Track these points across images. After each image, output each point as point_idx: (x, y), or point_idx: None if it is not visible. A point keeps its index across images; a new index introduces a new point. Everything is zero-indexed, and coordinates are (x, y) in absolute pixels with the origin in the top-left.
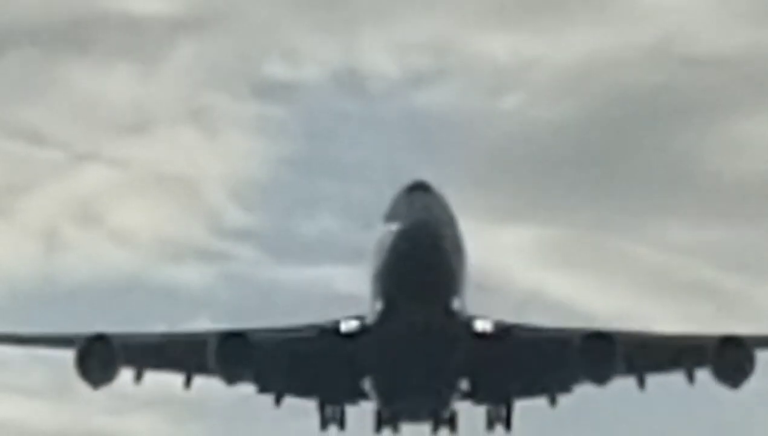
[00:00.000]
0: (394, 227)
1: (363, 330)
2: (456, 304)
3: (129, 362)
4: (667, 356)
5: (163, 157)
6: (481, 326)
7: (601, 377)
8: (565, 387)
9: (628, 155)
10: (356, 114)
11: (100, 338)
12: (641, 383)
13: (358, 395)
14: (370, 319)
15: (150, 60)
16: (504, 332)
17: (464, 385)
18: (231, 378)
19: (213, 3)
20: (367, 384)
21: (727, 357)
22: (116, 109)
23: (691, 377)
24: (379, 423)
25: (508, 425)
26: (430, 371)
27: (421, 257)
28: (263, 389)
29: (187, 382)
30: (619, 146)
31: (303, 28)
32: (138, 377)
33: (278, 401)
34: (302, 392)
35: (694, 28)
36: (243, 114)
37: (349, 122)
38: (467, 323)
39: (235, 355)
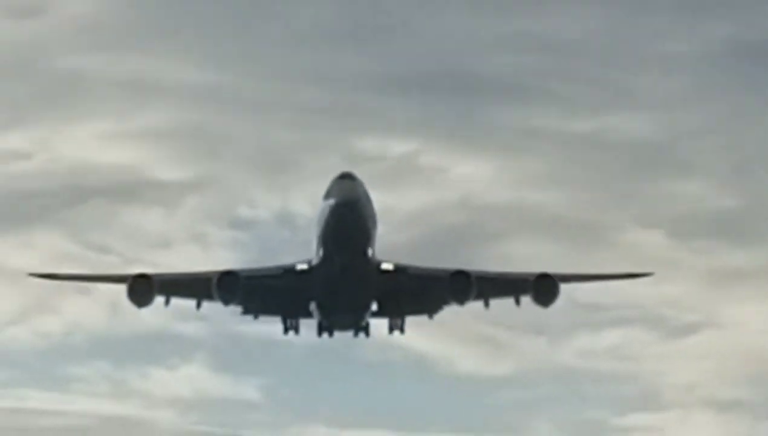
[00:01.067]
0: (329, 202)
1: (310, 269)
2: (369, 252)
3: (160, 292)
4: (504, 286)
5: (178, 263)
6: (385, 266)
7: (461, 300)
8: (438, 306)
9: None
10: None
11: (142, 276)
12: (486, 304)
13: (307, 313)
14: (314, 262)
15: (172, 205)
16: (400, 269)
17: (374, 306)
18: (225, 301)
19: (209, 172)
20: (312, 306)
21: (542, 287)
22: (152, 235)
23: (517, 301)
24: (320, 330)
25: (402, 330)
26: (352, 296)
27: (346, 221)
28: (246, 310)
29: (198, 305)
30: None
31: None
32: (166, 302)
33: (256, 317)
34: (271, 311)
35: None
36: (223, 238)
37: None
38: (376, 264)
39: (227, 285)
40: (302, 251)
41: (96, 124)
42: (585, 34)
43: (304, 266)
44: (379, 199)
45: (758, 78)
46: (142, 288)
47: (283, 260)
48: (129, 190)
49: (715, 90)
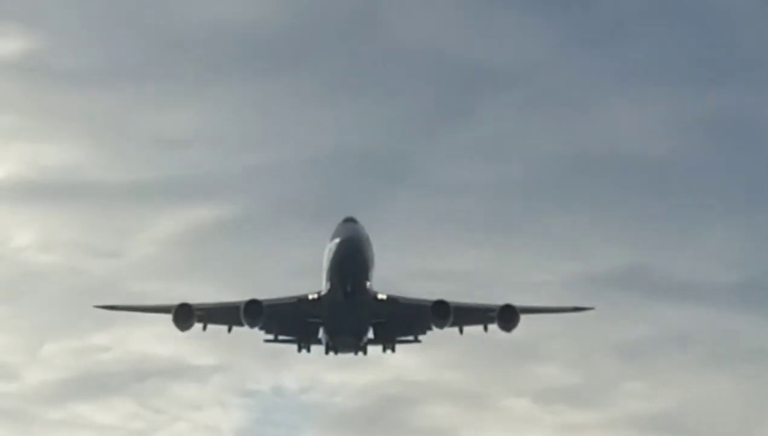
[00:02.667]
0: (335, 241)
1: (319, 298)
2: (367, 285)
3: (199, 319)
4: (476, 313)
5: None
6: (380, 296)
7: (441, 324)
8: (423, 331)
9: None
10: None
11: (184, 305)
12: (461, 331)
13: (317, 336)
14: (323, 293)
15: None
16: (392, 299)
17: (370, 333)
18: (251, 324)
19: None
20: (321, 330)
21: (506, 314)
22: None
23: (485, 329)
24: (327, 350)
25: (393, 349)
26: (353, 320)
27: (349, 256)
28: (267, 331)
29: (229, 330)
30: None
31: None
32: (204, 328)
33: (276, 339)
34: (287, 333)
35: None
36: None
37: None
38: (373, 294)
39: (252, 311)
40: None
41: (154, 329)
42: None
43: (315, 296)
44: None
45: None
46: (184, 315)
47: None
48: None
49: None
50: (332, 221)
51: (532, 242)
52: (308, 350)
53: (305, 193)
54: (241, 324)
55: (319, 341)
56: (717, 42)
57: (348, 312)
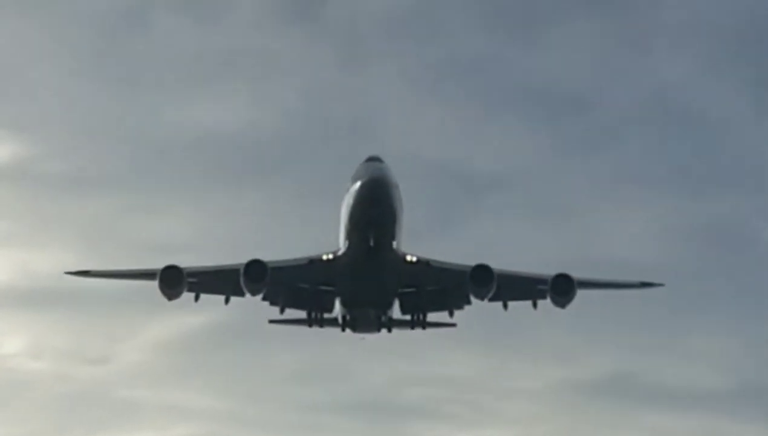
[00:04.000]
0: (357, 183)
1: (335, 258)
2: (394, 243)
3: (190, 286)
4: (523, 284)
5: None
6: (409, 258)
7: (482, 294)
8: (459, 303)
9: None
10: None
11: (172, 267)
12: (505, 306)
13: (331, 306)
14: (340, 251)
15: None
16: (423, 262)
17: (395, 304)
18: (253, 291)
19: None
20: (336, 303)
21: (560, 285)
22: None
23: (535, 304)
24: (343, 325)
25: (424, 326)
26: (376, 286)
27: (375, 199)
28: (272, 302)
29: (226, 300)
30: None
31: None
32: (196, 298)
33: (282, 311)
34: (296, 303)
35: None
36: None
37: None
38: (401, 255)
39: (254, 274)
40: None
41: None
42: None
43: (330, 256)
44: None
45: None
46: (172, 279)
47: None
48: None
49: None
50: None
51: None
52: (321, 325)
53: None
54: (240, 292)
55: (333, 321)
56: (709, 150)
57: (370, 275)
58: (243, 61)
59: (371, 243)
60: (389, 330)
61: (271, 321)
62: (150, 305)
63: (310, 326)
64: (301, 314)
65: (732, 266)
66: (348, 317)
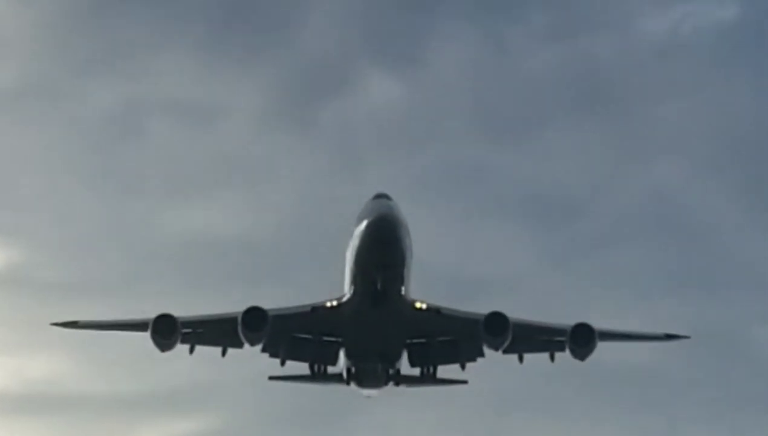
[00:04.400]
0: (364, 221)
1: (339, 305)
2: (402, 289)
3: (184, 337)
4: (540, 334)
5: None
6: (419, 304)
7: (496, 343)
8: (472, 354)
9: None
10: None
11: (165, 316)
12: (521, 359)
13: (335, 358)
14: (345, 298)
15: None
16: (434, 309)
17: (404, 357)
18: (252, 340)
19: None
20: (341, 352)
21: (579, 336)
22: None
23: (552, 357)
24: (348, 378)
25: (434, 380)
26: (383, 335)
27: (383, 238)
28: (272, 354)
29: (223, 352)
30: None
31: None
32: (191, 350)
33: (282, 363)
34: (298, 354)
35: None
36: None
37: None
38: (410, 302)
39: (253, 322)
40: None
41: None
42: None
43: (334, 303)
44: None
45: None
46: (166, 328)
47: None
48: None
49: None
50: None
51: None
52: (324, 379)
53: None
54: (238, 343)
55: (338, 377)
56: (702, 255)
57: (377, 323)
58: (237, 166)
59: (378, 287)
60: (397, 384)
61: (272, 378)
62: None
63: (314, 380)
64: (303, 368)
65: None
66: (353, 370)
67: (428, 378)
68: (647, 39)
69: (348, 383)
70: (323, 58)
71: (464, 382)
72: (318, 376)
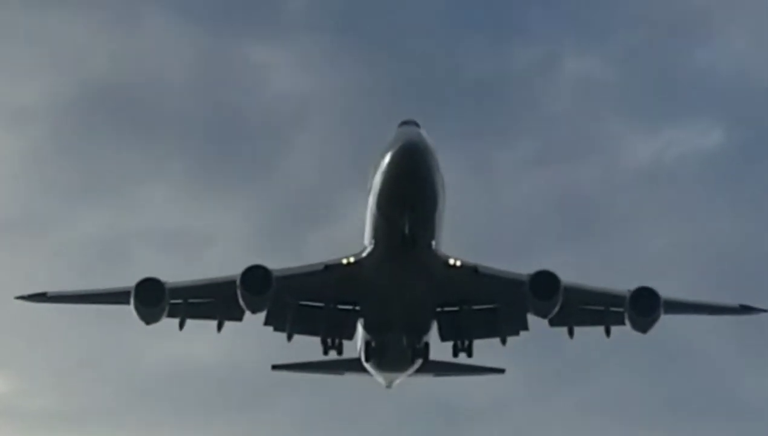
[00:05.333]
0: (389, 152)
1: (359, 261)
2: (434, 243)
3: (174, 309)
4: (595, 300)
5: None
6: (452, 261)
7: (545, 309)
8: (515, 326)
9: None
10: None
11: (150, 281)
12: (571, 332)
13: (352, 331)
14: (365, 251)
15: None
16: (470, 267)
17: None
18: (253, 305)
19: None
20: (359, 324)
21: (642, 302)
22: None
23: (608, 331)
24: (368, 355)
25: (470, 353)
26: (411, 298)
27: (414, 171)
28: (277, 327)
29: (219, 326)
30: None
31: None
32: (181, 324)
33: (289, 338)
34: (307, 327)
35: None
36: None
37: None
38: (443, 259)
39: (256, 282)
40: None
41: None
42: None
43: (351, 259)
44: None
45: None
46: (152, 294)
47: None
48: None
49: None
50: None
51: None
52: (339, 351)
53: None
54: (236, 313)
55: (352, 364)
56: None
57: (403, 282)
58: None
59: (406, 232)
60: (425, 360)
61: (275, 367)
62: None
63: (326, 353)
64: (314, 345)
65: None
66: (373, 345)
67: (456, 367)
68: (632, 166)
69: (365, 366)
70: (310, 186)
71: (501, 371)
72: (329, 363)
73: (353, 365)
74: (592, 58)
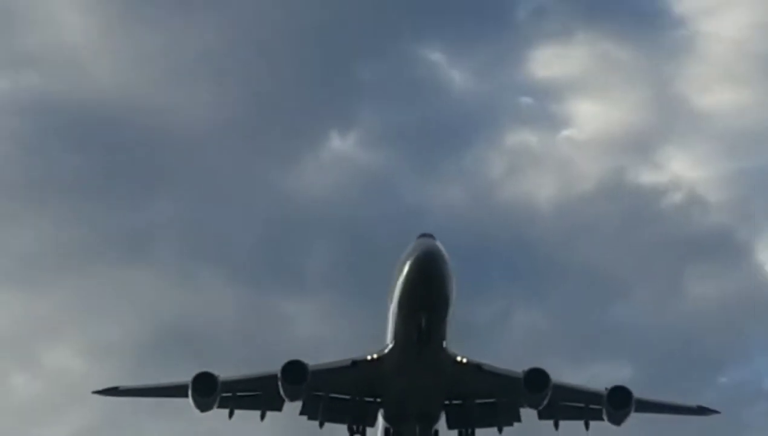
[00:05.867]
0: (409, 259)
1: (380, 358)
2: (445, 343)
3: (224, 401)
4: (578, 397)
5: None
6: (460, 358)
7: (537, 401)
8: (509, 419)
9: None
10: None
11: (204, 375)
12: (556, 426)
13: (373, 421)
14: (387, 349)
15: None
16: (475, 365)
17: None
18: (292, 394)
19: None
20: (380, 415)
21: (617, 398)
22: None
23: (587, 425)
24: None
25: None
26: (425, 390)
27: (430, 275)
28: (311, 416)
29: (262, 416)
30: None
31: None
32: (230, 414)
33: (321, 425)
34: (337, 417)
35: None
36: None
37: None
38: (452, 357)
39: (293, 375)
40: None
41: None
42: None
43: (374, 356)
44: None
45: None
46: (206, 386)
47: None
48: None
49: None
50: None
51: None
52: (363, 434)
53: None
54: (277, 404)
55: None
56: None
57: (419, 377)
58: None
59: (423, 328)
60: None
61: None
62: None
63: (352, 435)
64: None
65: None
66: (391, 432)
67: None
68: None
69: None
70: None
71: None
72: (357, 432)
73: None
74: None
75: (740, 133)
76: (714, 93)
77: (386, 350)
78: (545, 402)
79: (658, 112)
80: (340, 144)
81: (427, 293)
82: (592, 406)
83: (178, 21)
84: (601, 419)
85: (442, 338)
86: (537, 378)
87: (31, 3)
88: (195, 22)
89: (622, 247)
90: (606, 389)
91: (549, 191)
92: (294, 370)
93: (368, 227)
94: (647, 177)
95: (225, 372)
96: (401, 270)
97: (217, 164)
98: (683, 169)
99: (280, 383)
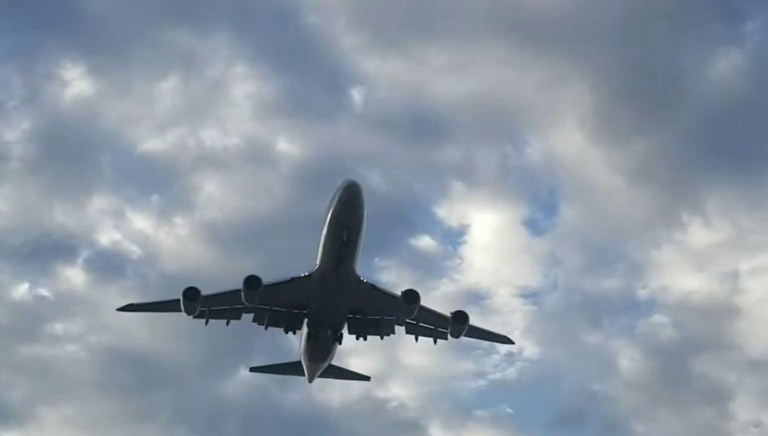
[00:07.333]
0: (337, 194)
1: (309, 276)
2: (355, 262)
3: (201, 312)
4: (434, 318)
5: None
6: (362, 279)
7: (408, 311)
8: (389, 330)
9: None
10: None
11: (191, 289)
12: (416, 339)
13: (301, 324)
14: (314, 269)
15: None
16: (371, 285)
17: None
18: (250, 300)
19: None
20: (305, 322)
21: (459, 318)
22: None
23: (435, 341)
24: (309, 336)
25: (365, 338)
26: (336, 307)
27: (353, 203)
28: (260, 322)
29: (227, 323)
30: None
31: None
32: (206, 321)
33: (266, 328)
34: (276, 324)
35: None
36: None
37: None
38: (358, 277)
39: (253, 283)
40: None
41: None
42: None
43: (305, 274)
44: None
45: None
46: (192, 296)
47: None
48: None
49: None
50: None
51: None
52: (294, 333)
53: None
54: (238, 313)
55: (298, 370)
56: None
57: (334, 293)
58: None
59: (344, 239)
60: (339, 342)
61: (252, 369)
62: None
63: (287, 333)
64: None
65: None
66: (312, 333)
67: (338, 370)
68: None
69: (309, 341)
70: None
71: (367, 379)
72: (290, 366)
73: (299, 371)
74: None
75: None
76: None
77: (314, 269)
78: (415, 312)
79: None
80: None
81: (350, 211)
82: (440, 329)
83: None
84: (446, 338)
85: (354, 257)
86: (410, 295)
87: None
88: None
89: None
90: (450, 313)
91: None
92: (252, 280)
93: None
94: None
95: None
96: (332, 200)
97: None
98: None
99: (242, 292)
